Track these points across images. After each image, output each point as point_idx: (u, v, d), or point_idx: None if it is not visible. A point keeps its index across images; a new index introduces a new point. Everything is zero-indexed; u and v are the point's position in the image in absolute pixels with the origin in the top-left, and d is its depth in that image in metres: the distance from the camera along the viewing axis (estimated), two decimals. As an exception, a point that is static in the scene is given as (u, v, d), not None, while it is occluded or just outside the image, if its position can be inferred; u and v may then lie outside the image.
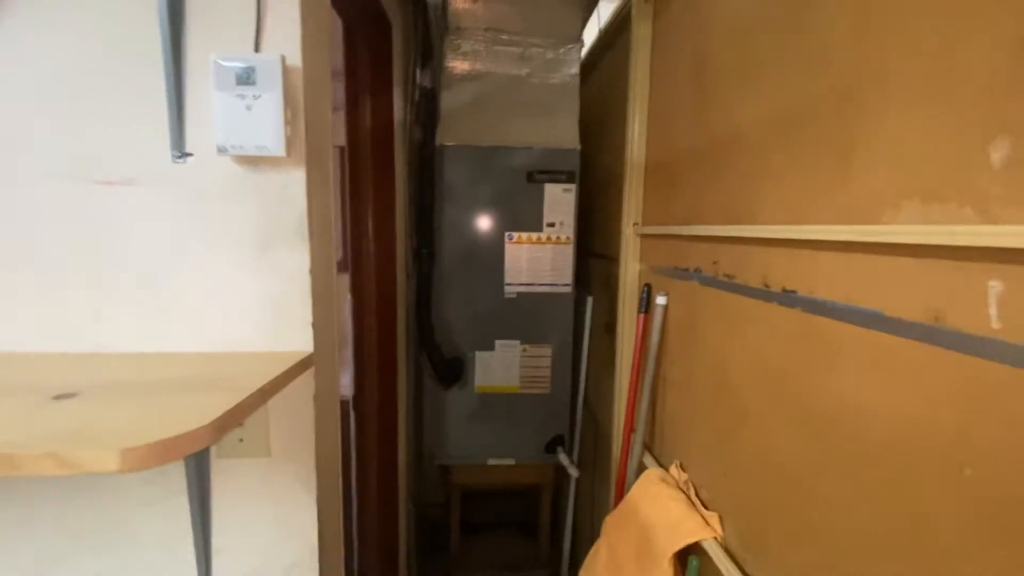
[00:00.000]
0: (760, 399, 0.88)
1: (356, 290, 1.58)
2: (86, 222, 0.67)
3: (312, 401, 0.72)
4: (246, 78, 0.63)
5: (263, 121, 0.64)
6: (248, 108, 0.64)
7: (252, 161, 0.68)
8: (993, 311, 0.49)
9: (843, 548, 0.67)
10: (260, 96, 0.64)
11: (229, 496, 0.73)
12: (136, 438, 0.40)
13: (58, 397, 0.51)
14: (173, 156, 0.67)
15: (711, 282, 1.05)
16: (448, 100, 1.70)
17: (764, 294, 0.86)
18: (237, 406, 0.49)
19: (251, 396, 0.51)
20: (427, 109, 1.62)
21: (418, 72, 1.56)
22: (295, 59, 0.66)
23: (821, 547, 0.72)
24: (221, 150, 0.64)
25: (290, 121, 0.66)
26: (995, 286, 0.49)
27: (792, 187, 0.80)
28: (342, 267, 1.59)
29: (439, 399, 1.83)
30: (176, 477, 0.72)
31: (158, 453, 0.40)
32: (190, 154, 0.67)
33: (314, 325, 0.71)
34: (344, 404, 1.74)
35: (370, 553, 1.63)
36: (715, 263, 1.04)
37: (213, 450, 0.72)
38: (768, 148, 0.87)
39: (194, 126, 0.67)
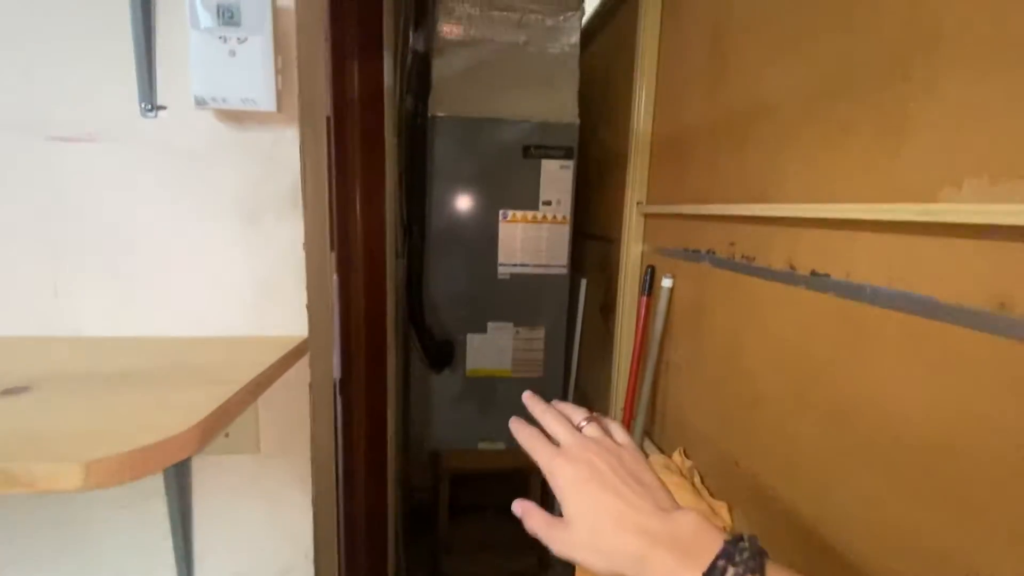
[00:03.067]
0: (780, 388, 0.84)
1: (342, 270, 1.49)
2: (38, 184, 0.57)
3: (308, 390, 0.65)
4: (229, 17, 0.54)
5: (250, 69, 0.55)
6: (232, 53, 0.54)
7: (236, 117, 0.59)
8: (1077, 298, 0.45)
9: (875, 548, 0.64)
10: (246, 40, 0.54)
11: (212, 496, 0.66)
12: (104, 446, 0.33)
13: (6, 392, 0.43)
14: (143, 109, 0.57)
15: (726, 264, 1.00)
16: (440, 68, 1.59)
17: (789, 277, 0.82)
18: (227, 403, 0.41)
19: (242, 390, 0.44)
20: (420, 76, 1.51)
21: (411, 34, 1.45)
22: (287, -2, 0.57)
23: (848, 546, 0.69)
24: (200, 102, 0.55)
25: (281, 71, 0.57)
26: (1082, 271, 0.44)
27: (825, 163, 0.75)
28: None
29: (428, 383, 1.76)
30: (153, 476, 0.64)
31: (133, 465, 0.33)
32: (163, 107, 0.58)
33: (309, 306, 0.63)
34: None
35: (358, 540, 1.57)
36: (732, 244, 0.98)
37: (194, 446, 0.64)
38: (798, 121, 0.81)
39: (168, 74, 0.57)
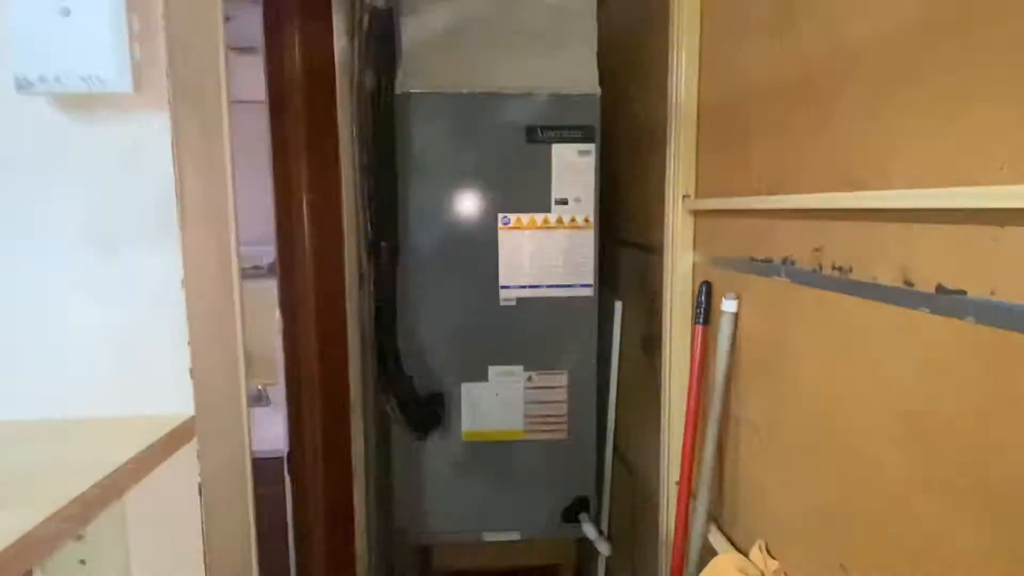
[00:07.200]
0: (903, 457, 0.76)
1: (287, 304, 1.45)
2: None
3: (197, 492, 0.58)
4: (59, -40, 0.49)
5: (91, 34, 0.49)
6: (64, 12, 0.49)
7: (81, 103, 0.53)
8: None
9: None
10: (85, -8, 0.49)
11: (67, 652, 0.59)
12: None
13: None
14: (-53, 99, 0.53)
15: (811, 279, 0.93)
16: (413, 30, 1.57)
17: (906, 296, 0.75)
18: (24, 539, 0.34)
19: (56, 516, 0.37)
20: (382, 42, 1.48)
21: (367, -13, 1.43)
22: (144, -69, 0.52)
23: None
24: (23, 85, 0.50)
25: (139, 36, 0.52)
26: None
27: (952, 130, 0.68)
28: (265, 272, 1.47)
29: (414, 454, 1.70)
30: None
31: None
32: (-24, 95, 0.53)
33: (193, 370, 0.56)
34: (277, 465, 1.62)
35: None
36: (818, 250, 0.92)
37: (36, 580, 0.57)
38: (909, 73, 0.74)
39: (-20, 48, 0.53)
